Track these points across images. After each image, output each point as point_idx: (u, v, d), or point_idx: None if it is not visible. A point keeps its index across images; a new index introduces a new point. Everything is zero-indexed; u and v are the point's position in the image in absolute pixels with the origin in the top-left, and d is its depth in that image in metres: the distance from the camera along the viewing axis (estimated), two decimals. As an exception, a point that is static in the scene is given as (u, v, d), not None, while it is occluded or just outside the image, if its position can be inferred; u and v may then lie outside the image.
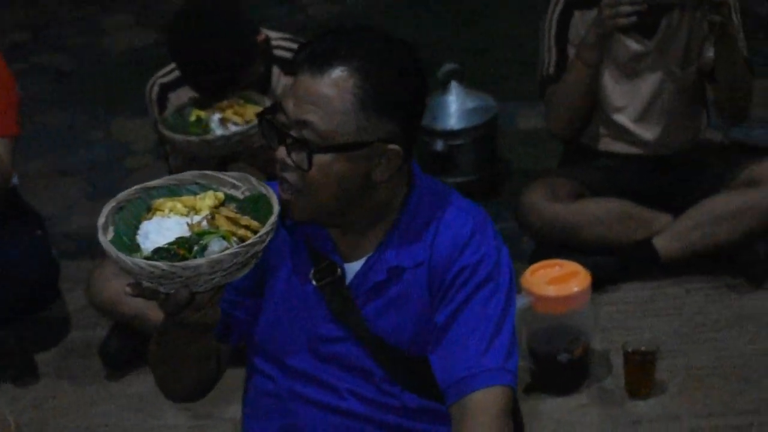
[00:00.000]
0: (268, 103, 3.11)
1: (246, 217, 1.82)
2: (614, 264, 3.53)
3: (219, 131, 3.05)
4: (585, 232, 3.50)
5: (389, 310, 2.00)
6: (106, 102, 5.24)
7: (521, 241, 3.75)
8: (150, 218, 1.82)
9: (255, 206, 1.84)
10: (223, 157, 3.12)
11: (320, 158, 1.87)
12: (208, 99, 3.16)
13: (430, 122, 4.10)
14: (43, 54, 5.75)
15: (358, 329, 2.01)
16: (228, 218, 1.80)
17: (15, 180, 3.62)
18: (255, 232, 1.79)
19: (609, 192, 3.61)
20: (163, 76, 3.45)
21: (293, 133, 1.88)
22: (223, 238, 1.76)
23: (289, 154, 1.89)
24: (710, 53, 3.49)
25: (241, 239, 1.77)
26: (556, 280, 3.05)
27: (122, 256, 1.72)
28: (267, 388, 2.11)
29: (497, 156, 4.27)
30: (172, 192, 1.87)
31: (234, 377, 2.15)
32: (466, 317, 1.96)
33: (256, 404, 2.15)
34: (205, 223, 1.79)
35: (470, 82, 4.21)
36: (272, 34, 3.40)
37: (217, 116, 3.08)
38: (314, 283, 2.01)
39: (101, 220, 1.81)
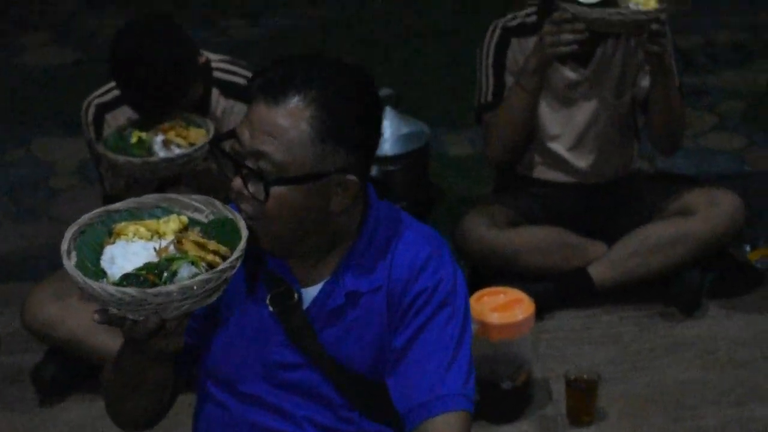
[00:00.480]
0: (210, 125, 3.08)
1: (213, 241, 1.79)
2: (551, 291, 3.56)
3: (162, 153, 3.01)
4: (523, 259, 3.52)
5: (348, 335, 1.99)
6: (26, 120, 5.14)
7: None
8: (113, 242, 1.79)
9: (221, 230, 1.81)
10: (165, 179, 3.08)
11: (277, 190, 1.85)
12: (148, 120, 3.11)
13: (364, 147, 4.09)
14: (-43, 69, 5.63)
15: (315, 355, 2.00)
16: (196, 243, 1.77)
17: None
18: (223, 257, 1.76)
19: (544, 220, 3.64)
20: (100, 96, 3.38)
21: (249, 163, 1.86)
22: (192, 263, 1.73)
23: (245, 184, 1.87)
24: (644, 82, 3.55)
25: (210, 264, 1.75)
26: (500, 308, 3.06)
27: (90, 282, 1.68)
28: (219, 416, 2.08)
29: (428, 181, 4.28)
30: (134, 216, 1.84)
31: (179, 403, 2.10)
32: (424, 342, 1.96)
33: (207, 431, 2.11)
34: (172, 248, 1.76)
35: (405, 109, 4.23)
36: (211, 56, 3.37)
37: (159, 138, 3.04)
38: (270, 308, 1.98)
39: (64, 246, 1.76)
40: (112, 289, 1.66)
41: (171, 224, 1.80)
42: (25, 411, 3.28)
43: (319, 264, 1.99)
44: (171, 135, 3.05)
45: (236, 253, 1.74)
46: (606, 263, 3.57)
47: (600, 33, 3.37)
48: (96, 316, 1.73)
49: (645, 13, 3.17)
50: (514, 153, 3.61)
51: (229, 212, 1.83)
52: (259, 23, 6.26)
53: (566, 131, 3.63)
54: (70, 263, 1.73)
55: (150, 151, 3.02)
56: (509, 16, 3.64)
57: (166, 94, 3.06)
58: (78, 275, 1.69)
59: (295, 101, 1.85)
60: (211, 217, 1.85)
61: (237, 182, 1.87)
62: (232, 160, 1.88)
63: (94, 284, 1.67)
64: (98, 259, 1.76)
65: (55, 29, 6.28)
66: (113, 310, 1.71)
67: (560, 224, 3.62)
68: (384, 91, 4.14)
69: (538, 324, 3.49)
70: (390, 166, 4.09)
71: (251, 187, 1.86)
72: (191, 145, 3.02)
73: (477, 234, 3.53)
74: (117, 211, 1.83)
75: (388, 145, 4.10)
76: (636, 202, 3.68)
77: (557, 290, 3.57)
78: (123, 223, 1.81)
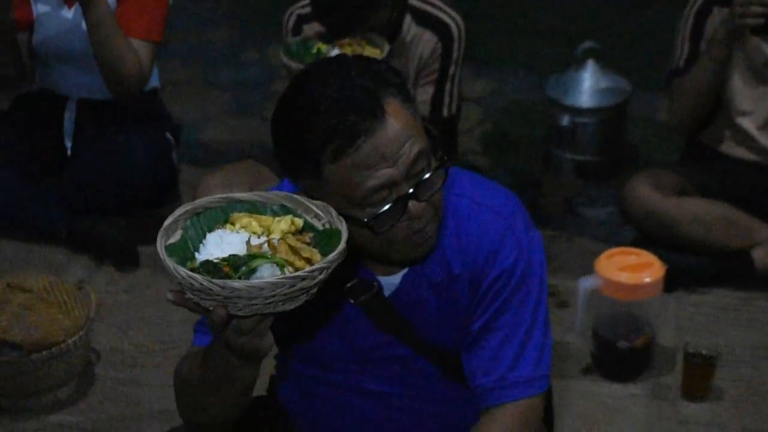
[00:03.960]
0: (386, 46, 3.19)
1: (311, 249, 1.70)
2: (707, 267, 3.50)
3: (333, 64, 3.14)
4: (682, 229, 3.47)
5: (434, 321, 2.00)
6: (261, 25, 5.37)
7: (623, 228, 3.78)
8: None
9: (328, 241, 1.72)
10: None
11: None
12: (333, 34, 3.25)
13: (559, 96, 4.11)
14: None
15: (405, 336, 2.02)
16: (291, 246, 1.69)
17: (157, 83, 3.83)
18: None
19: (718, 195, 3.56)
20: (302, 7, 3.56)
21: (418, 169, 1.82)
22: (277, 265, 1.65)
23: (421, 197, 1.83)
24: None
25: (297, 271, 1.65)
26: (629, 268, 3.05)
27: (168, 261, 1.62)
28: (311, 389, 2.13)
29: (623, 140, 4.25)
30: (256, 208, 1.79)
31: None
32: (499, 326, 1.96)
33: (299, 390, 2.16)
34: (266, 246, 1.69)
35: (609, 63, 4.20)
36: (410, -17, 3.47)
37: (335, 51, 3.17)
38: (351, 301, 1.99)
39: (168, 221, 1.71)
40: (183, 271, 1.60)
41: (282, 224, 1.74)
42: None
43: None
44: (346, 50, 3.18)
45: (318, 265, 1.64)
46: (770, 248, 3.48)
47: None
48: (170, 295, 1.67)
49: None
50: (693, 121, 3.56)
51: (340, 224, 1.73)
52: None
53: (759, 109, 3.54)
54: (160, 240, 1.69)
55: (324, 62, 3.16)
56: (714, -17, 3.57)
57: (352, 14, 3.19)
58: (161, 251, 1.65)
59: (387, 102, 1.78)
60: (327, 226, 1.76)
61: (417, 205, 1.83)
62: (418, 184, 1.82)
63: (170, 263, 1.62)
64: (200, 243, 1.72)
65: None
66: (189, 294, 1.64)
67: (735, 203, 3.54)
68: (588, 44, 4.14)
69: (689, 296, 3.48)
70: (582, 117, 4.09)
71: (427, 192, 1.84)
72: (363, 62, 3.14)
73: (638, 196, 3.50)
74: (240, 201, 1.79)
75: (584, 97, 4.11)
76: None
77: (714, 267, 3.51)
78: (241, 213, 1.76)
